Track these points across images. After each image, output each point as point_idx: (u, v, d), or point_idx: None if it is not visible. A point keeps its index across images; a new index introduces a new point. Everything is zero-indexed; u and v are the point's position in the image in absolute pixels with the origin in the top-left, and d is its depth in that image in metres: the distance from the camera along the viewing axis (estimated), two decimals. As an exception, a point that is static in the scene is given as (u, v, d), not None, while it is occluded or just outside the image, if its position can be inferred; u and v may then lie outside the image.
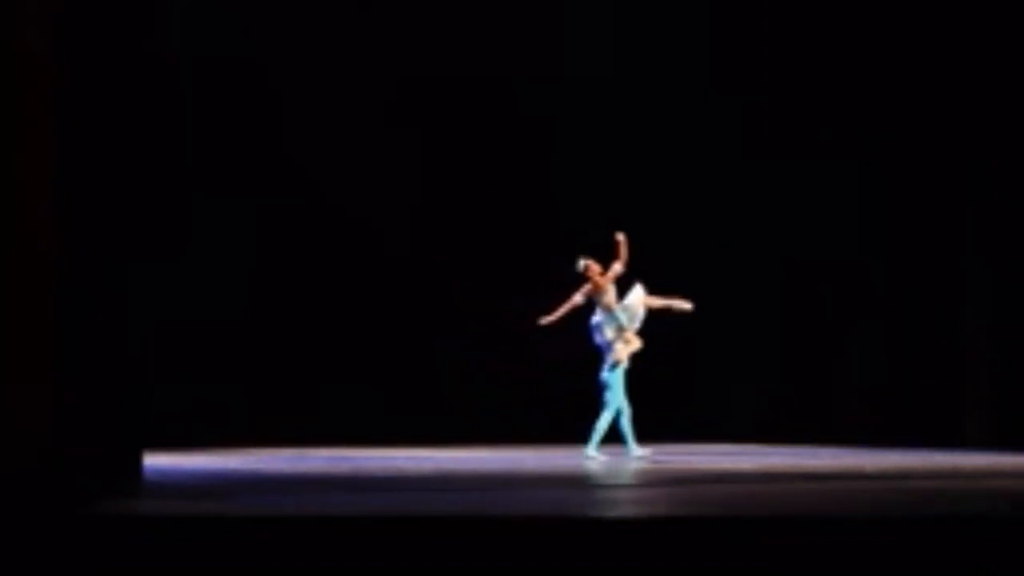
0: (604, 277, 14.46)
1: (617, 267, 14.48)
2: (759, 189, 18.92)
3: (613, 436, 14.57)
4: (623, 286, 14.63)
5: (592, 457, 14.27)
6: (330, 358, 18.19)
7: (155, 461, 12.21)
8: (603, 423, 14.44)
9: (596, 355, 14.51)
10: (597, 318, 14.51)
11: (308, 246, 18.33)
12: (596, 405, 14.48)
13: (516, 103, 18.93)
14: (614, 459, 14.18)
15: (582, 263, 14.52)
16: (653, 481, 11.88)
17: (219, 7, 18.12)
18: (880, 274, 18.12)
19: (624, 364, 14.43)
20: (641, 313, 14.55)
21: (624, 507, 9.46)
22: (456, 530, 7.63)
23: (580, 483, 11.58)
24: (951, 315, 17.43)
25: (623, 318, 14.43)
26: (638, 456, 14.43)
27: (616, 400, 14.40)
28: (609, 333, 14.44)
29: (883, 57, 17.80)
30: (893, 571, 7.32)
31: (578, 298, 14.54)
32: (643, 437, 14.80)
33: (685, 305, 14.78)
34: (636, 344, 14.51)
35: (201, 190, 17.98)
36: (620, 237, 14.51)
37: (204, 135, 17.99)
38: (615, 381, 14.39)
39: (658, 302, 14.68)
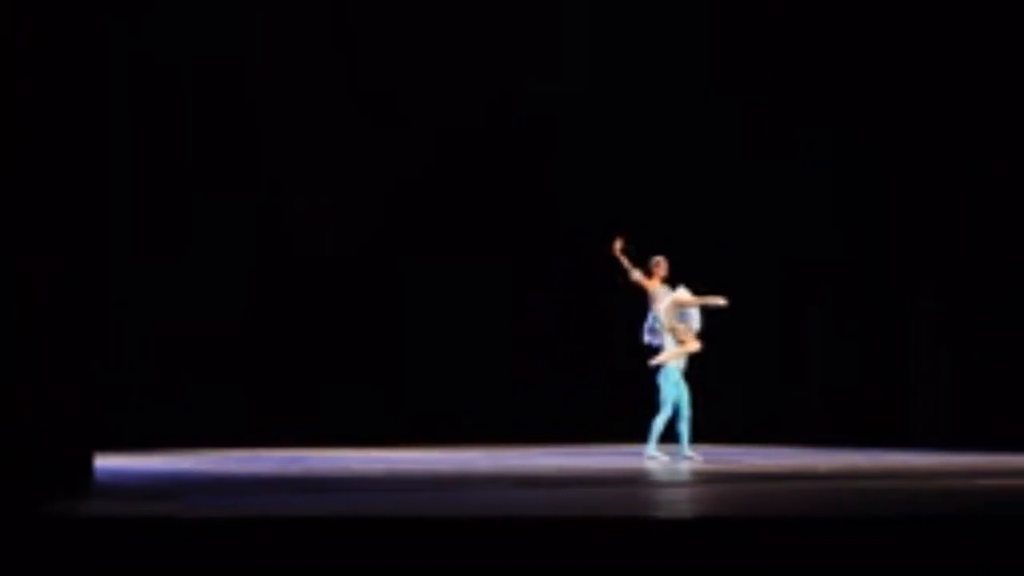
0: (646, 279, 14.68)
1: (635, 274, 14.66)
2: (725, 193, 18.98)
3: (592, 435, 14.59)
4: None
5: (689, 457, 14.36)
6: (282, 359, 18.11)
7: (107, 462, 12.14)
8: (664, 424, 14.48)
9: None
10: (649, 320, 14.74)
11: (256, 250, 18.22)
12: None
13: (499, 110, 19.00)
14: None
15: (654, 260, 14.67)
16: (609, 481, 11.90)
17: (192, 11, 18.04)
18: (835, 277, 18.24)
19: (673, 365, 14.43)
20: (687, 314, 14.51)
21: (575, 508, 9.46)
22: (408, 530, 7.62)
23: (533, 483, 11.59)
24: (904, 319, 17.57)
25: (652, 321, 14.53)
26: (687, 457, 14.41)
27: (669, 400, 14.40)
28: (647, 336, 14.58)
29: (851, 68, 17.96)
30: (845, 570, 7.35)
31: (637, 274, 14.64)
32: (605, 439, 14.94)
33: (719, 301, 14.54)
34: (689, 347, 14.48)
35: (163, 193, 17.85)
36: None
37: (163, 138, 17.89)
38: (662, 383, 14.42)
39: (691, 300, 14.60)
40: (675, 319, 14.47)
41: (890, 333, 17.68)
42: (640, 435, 14.73)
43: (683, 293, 14.58)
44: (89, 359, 10.85)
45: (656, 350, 14.51)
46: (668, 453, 14.48)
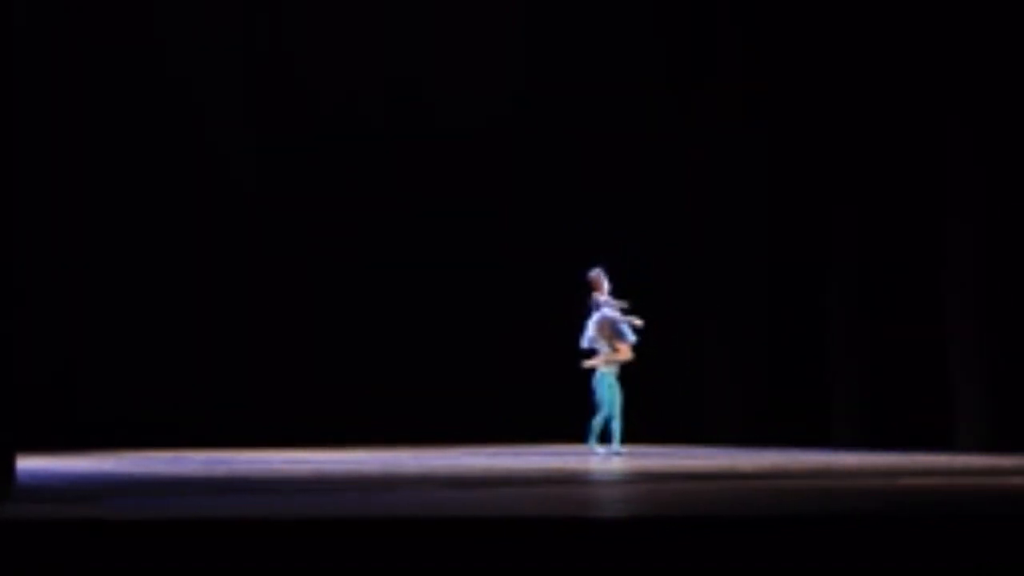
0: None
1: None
2: (640, 194, 19.10)
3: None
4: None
5: (619, 453, 15.19)
6: (206, 359, 18.02)
7: (28, 464, 12.04)
8: (602, 424, 15.38)
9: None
10: None
11: (178, 249, 18.13)
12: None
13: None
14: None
15: (593, 273, 15.61)
16: (536, 481, 11.95)
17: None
18: (753, 277, 18.38)
19: (606, 369, 15.36)
20: (622, 328, 15.42)
21: (505, 507, 9.50)
22: (336, 532, 7.63)
23: (458, 484, 11.61)
24: (821, 319, 17.75)
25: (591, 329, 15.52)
26: (598, 452, 15.26)
27: (605, 402, 15.33)
28: (586, 341, 15.56)
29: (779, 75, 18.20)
30: (766, 570, 7.43)
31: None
32: (523, 438, 15.09)
33: (601, 356, 15.45)
34: (621, 356, 15.40)
35: (79, 192, 17.72)
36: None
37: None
38: (597, 386, 15.42)
39: (608, 325, 15.42)
40: (610, 330, 15.35)
41: (806, 334, 17.85)
42: (562, 435, 15.13)
43: (608, 313, 15.40)
44: (7, 359, 10.72)
45: (594, 353, 15.45)
46: (602, 451, 15.24)
